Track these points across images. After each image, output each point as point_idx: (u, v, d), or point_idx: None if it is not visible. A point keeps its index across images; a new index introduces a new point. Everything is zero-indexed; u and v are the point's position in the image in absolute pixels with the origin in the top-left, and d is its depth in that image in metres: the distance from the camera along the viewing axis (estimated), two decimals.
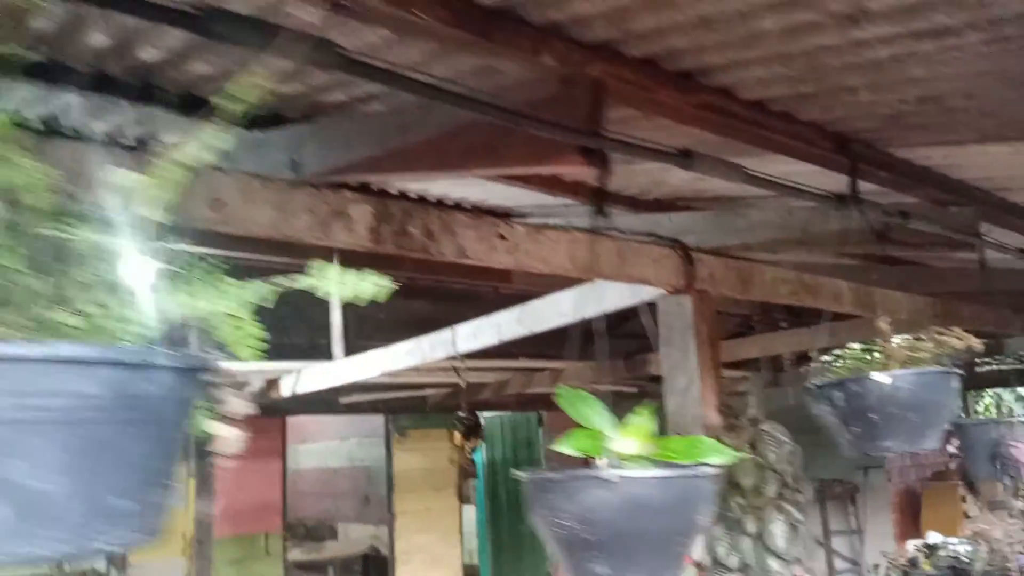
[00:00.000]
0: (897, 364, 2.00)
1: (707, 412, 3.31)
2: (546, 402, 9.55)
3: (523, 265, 2.82)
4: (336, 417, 8.11)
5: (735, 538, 2.98)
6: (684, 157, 2.01)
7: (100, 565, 5.39)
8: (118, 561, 5.46)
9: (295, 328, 5.53)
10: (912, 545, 6.09)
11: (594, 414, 1.45)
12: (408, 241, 2.51)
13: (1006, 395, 9.11)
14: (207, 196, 1.85)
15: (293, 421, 9.27)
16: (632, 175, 3.10)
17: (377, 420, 7.77)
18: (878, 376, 1.92)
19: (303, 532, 8.92)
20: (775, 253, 3.44)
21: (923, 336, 2.06)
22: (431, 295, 5.68)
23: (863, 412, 1.93)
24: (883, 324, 2.10)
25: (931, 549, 5.58)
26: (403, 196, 3.43)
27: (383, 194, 3.21)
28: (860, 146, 2.11)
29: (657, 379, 8.55)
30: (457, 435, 5.83)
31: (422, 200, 3.39)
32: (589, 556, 1.30)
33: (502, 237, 2.77)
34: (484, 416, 9.93)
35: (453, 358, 4.67)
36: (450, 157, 2.29)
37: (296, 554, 8.13)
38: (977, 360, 8.40)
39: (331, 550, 8.15)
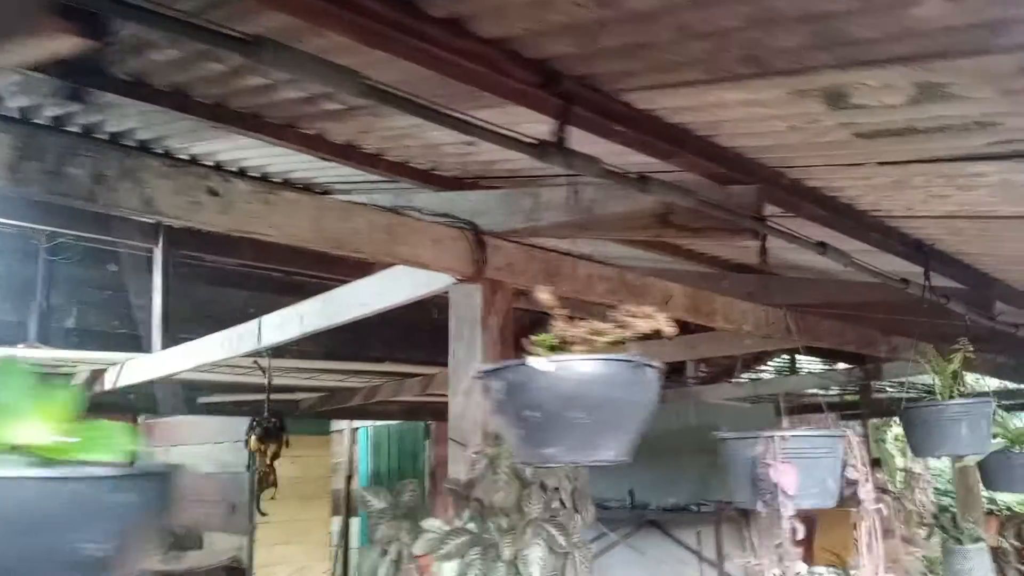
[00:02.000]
0: (586, 349, 1.55)
1: (490, 419, 2.84)
2: (435, 412, 9.05)
3: (243, 229, 2.32)
4: (208, 420, 7.51)
5: (488, 565, 2.50)
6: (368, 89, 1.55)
7: None
8: None
9: (118, 316, 4.97)
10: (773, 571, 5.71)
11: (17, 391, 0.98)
12: (65, 184, 2.00)
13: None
14: None
15: (166, 423, 8.63)
16: (390, 136, 2.65)
17: (234, 423, 7.19)
18: (536, 363, 1.47)
19: (171, 541, 8.27)
20: (562, 238, 2.99)
21: (609, 315, 1.61)
22: (270, 285, 5.17)
23: (522, 409, 1.47)
24: (544, 293, 1.65)
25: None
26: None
27: (39, 127, 2.67)
28: (573, 82, 1.69)
29: None
30: (253, 439, 5.25)
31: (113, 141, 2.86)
32: None
33: (213, 192, 2.28)
34: (373, 425, 9.39)
35: (258, 354, 4.16)
36: None
37: (152, 563, 7.46)
38: (862, 386, 8.14)
39: (192, 560, 7.50)
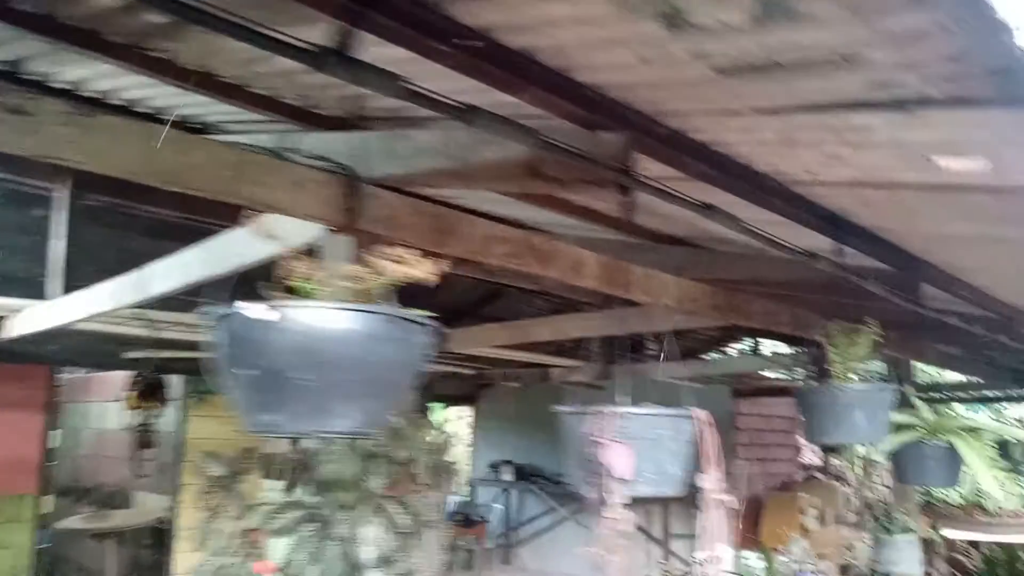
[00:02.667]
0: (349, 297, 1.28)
1: None
2: None
3: (52, 155, 2.02)
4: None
5: (321, 544, 2.25)
6: None
7: None
8: None
9: (24, 261, 4.66)
10: (699, 556, 5.53)
11: None
12: None
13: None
14: None
15: (101, 377, 8.34)
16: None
17: (179, 383, 6.92)
18: (250, 308, 1.19)
19: (102, 498, 8.03)
20: (436, 187, 2.71)
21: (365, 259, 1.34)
22: (193, 234, 4.84)
23: (239, 365, 1.19)
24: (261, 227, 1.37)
25: (709, 562, 4.97)
26: None
27: None
28: None
29: (493, 362, 7.77)
30: (132, 396, 4.95)
31: None
32: None
33: (16, 111, 1.97)
34: None
35: (142, 306, 3.87)
36: None
37: (74, 521, 7.23)
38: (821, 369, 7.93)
39: (120, 519, 7.25)
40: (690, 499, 9.18)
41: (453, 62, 1.66)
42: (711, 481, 1.73)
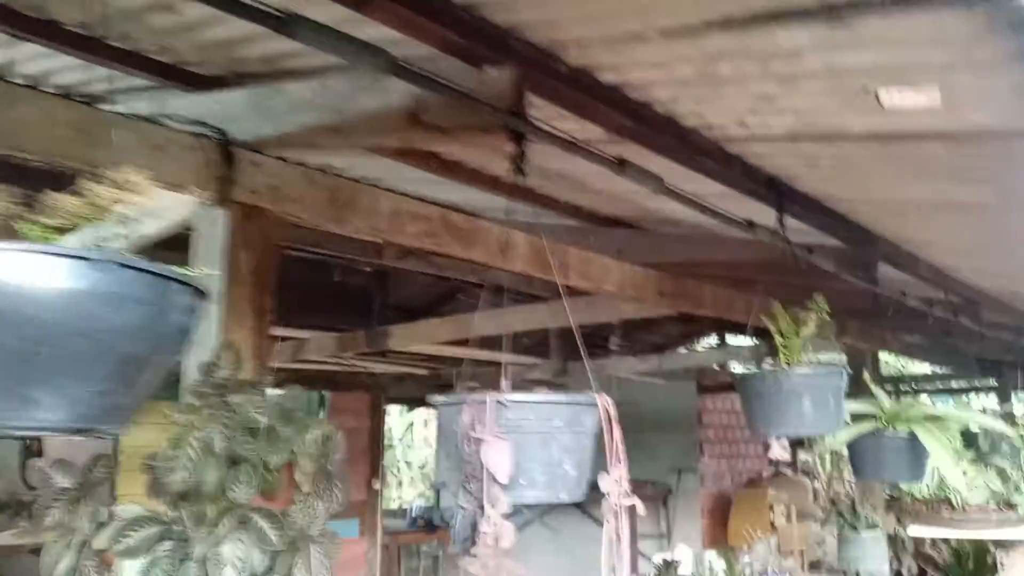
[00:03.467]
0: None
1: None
2: (332, 380, 8.37)
3: None
4: None
5: (176, 564, 1.87)
6: None
7: None
8: None
9: None
10: (655, 559, 5.22)
11: None
12: None
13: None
14: None
15: None
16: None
17: None
18: None
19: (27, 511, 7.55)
20: (316, 147, 2.34)
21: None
22: None
23: None
24: None
25: (667, 565, 4.64)
26: None
27: None
28: None
29: (448, 361, 7.36)
30: None
31: None
32: None
33: None
34: None
35: None
36: None
37: (8, 537, 6.75)
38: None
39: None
40: (660, 499, 8.77)
41: None
42: (614, 482, 1.38)
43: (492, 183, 3.36)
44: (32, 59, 2.44)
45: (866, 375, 3.24)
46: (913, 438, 2.72)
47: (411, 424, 12.26)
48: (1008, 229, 2.69)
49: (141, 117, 2.27)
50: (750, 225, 2.46)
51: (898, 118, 1.77)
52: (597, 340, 8.27)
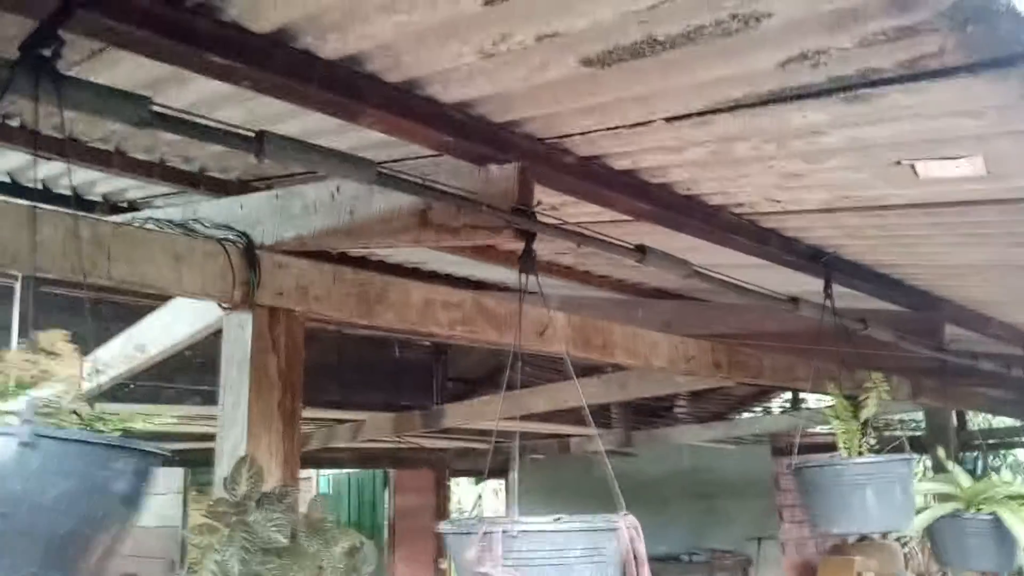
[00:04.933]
0: None
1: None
2: (395, 459, 8.26)
3: None
4: None
5: None
6: None
7: None
8: None
9: None
10: None
11: None
12: None
13: None
14: None
15: None
16: None
17: (175, 474, 6.53)
18: None
19: None
20: (334, 247, 2.29)
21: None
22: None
23: None
24: None
25: None
26: None
27: None
28: None
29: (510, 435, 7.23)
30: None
31: None
32: None
33: None
34: (330, 473, 8.64)
35: None
36: None
37: None
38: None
39: None
40: (740, 569, 8.25)
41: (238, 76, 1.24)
42: None
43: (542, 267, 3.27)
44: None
45: (940, 451, 2.96)
46: (998, 521, 2.44)
47: (480, 496, 12.03)
48: None
49: (173, 224, 2.27)
50: (794, 301, 2.28)
51: (940, 187, 1.61)
52: (661, 408, 8.00)
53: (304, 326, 2.49)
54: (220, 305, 2.28)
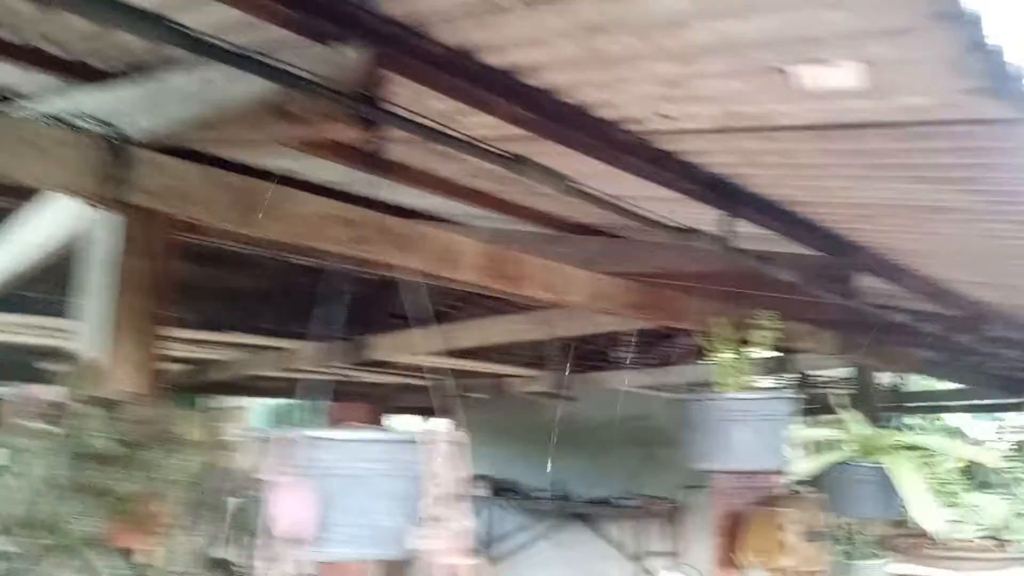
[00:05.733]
0: None
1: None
2: (332, 391, 8.12)
3: None
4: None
5: None
6: None
7: None
8: None
9: None
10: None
11: None
12: None
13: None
14: None
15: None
16: None
17: None
18: None
19: None
20: (193, 144, 2.12)
21: None
22: None
23: None
24: None
25: None
26: None
27: None
28: None
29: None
30: None
31: None
32: None
33: None
34: (257, 403, 8.51)
35: None
36: None
37: None
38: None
39: None
40: (668, 516, 8.35)
41: None
42: (434, 539, 1.11)
43: (442, 187, 3.12)
44: None
45: (831, 396, 2.91)
46: (884, 470, 2.40)
47: None
48: (995, 237, 2.37)
49: (41, 115, 2.09)
50: (690, 231, 2.17)
51: (825, 104, 1.49)
52: (598, 353, 7.95)
53: (176, 230, 2.34)
54: (86, 203, 2.12)
